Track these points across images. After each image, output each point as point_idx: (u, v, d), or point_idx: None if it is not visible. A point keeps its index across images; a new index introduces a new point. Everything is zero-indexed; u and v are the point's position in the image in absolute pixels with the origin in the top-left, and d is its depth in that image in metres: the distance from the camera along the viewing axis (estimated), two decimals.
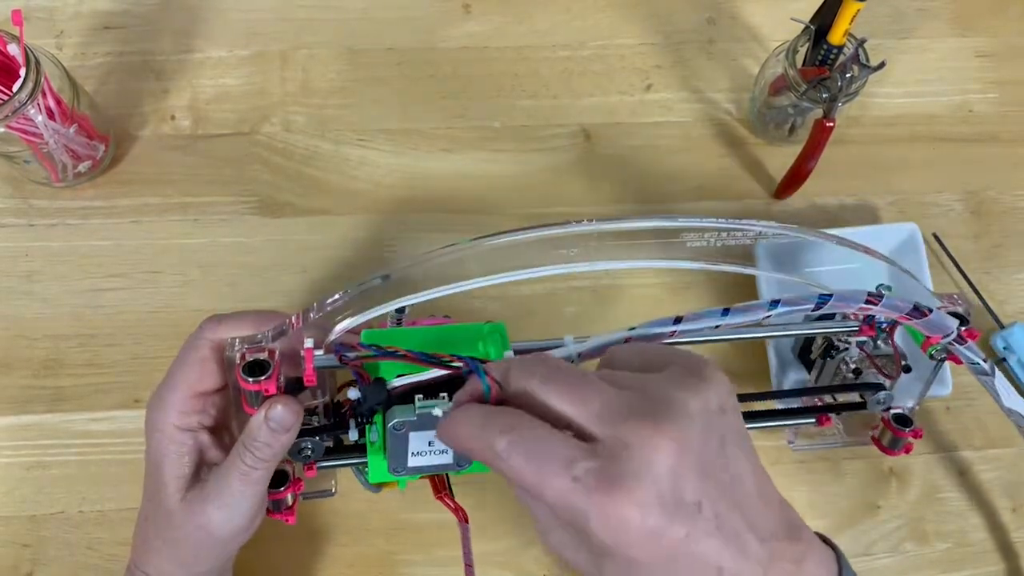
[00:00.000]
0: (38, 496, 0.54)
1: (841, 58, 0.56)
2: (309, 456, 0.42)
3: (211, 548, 0.41)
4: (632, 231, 0.41)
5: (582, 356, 0.38)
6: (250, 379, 0.38)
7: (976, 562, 0.58)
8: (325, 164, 0.61)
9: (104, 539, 0.53)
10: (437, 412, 0.37)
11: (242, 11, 0.63)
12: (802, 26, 0.56)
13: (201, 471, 0.42)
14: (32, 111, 0.50)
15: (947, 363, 0.56)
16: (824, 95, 0.55)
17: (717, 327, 0.38)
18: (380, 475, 0.42)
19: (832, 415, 0.51)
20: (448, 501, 0.43)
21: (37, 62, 0.50)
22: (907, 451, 0.50)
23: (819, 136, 0.56)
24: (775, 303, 0.37)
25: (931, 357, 0.45)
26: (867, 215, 0.63)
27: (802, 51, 0.57)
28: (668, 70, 0.65)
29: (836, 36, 0.55)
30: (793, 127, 0.62)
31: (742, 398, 0.54)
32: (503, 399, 0.34)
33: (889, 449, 0.50)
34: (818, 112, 0.57)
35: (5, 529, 0.53)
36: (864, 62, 0.55)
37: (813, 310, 0.38)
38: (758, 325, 0.42)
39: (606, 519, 0.29)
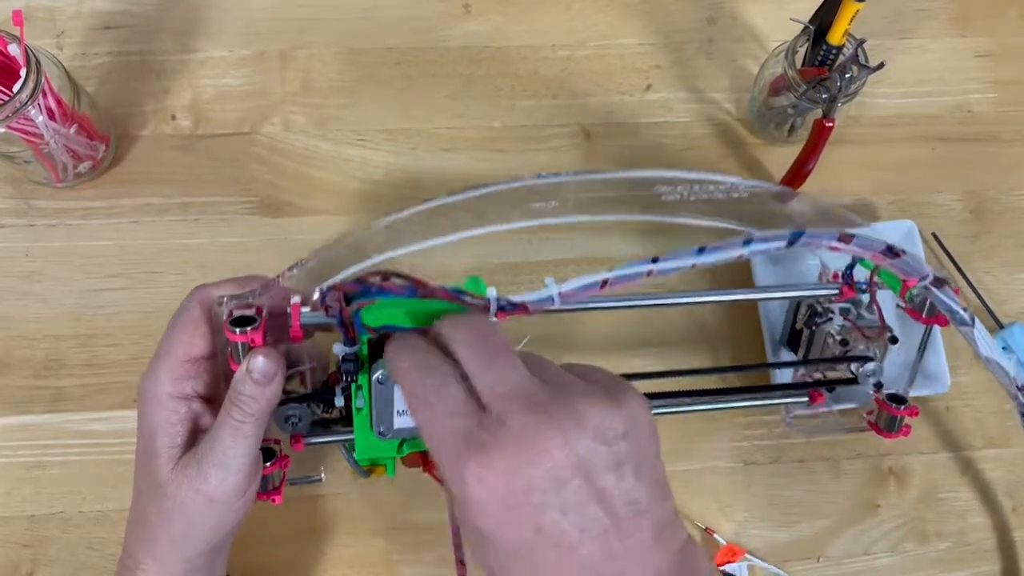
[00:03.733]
0: (38, 496, 0.54)
1: (840, 58, 0.56)
2: (296, 424, 0.42)
3: (206, 516, 0.40)
4: (608, 182, 0.42)
5: (563, 296, 0.38)
6: (237, 330, 0.38)
7: (976, 562, 0.58)
8: (325, 164, 0.61)
9: (104, 539, 0.53)
10: None
11: (242, 11, 0.63)
12: (802, 26, 0.56)
13: (195, 441, 0.41)
14: (33, 111, 0.50)
15: (944, 361, 0.56)
16: (823, 95, 0.55)
17: (693, 266, 0.38)
18: (367, 450, 0.42)
19: (825, 393, 0.51)
20: (436, 473, 0.43)
21: (37, 62, 0.50)
22: (905, 433, 0.50)
23: (819, 136, 0.56)
24: (748, 241, 0.38)
25: (910, 302, 0.46)
26: (867, 215, 0.63)
27: (802, 51, 0.57)
28: (668, 70, 0.65)
29: (835, 36, 0.55)
30: (793, 127, 0.62)
31: (731, 370, 0.56)
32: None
33: (886, 432, 0.51)
34: (818, 112, 0.57)
35: (5, 529, 0.53)
36: (863, 62, 0.55)
37: (786, 246, 0.38)
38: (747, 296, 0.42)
39: (461, 474, 0.30)
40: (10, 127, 0.50)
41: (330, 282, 0.38)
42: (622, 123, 0.64)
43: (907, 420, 0.50)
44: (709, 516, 0.57)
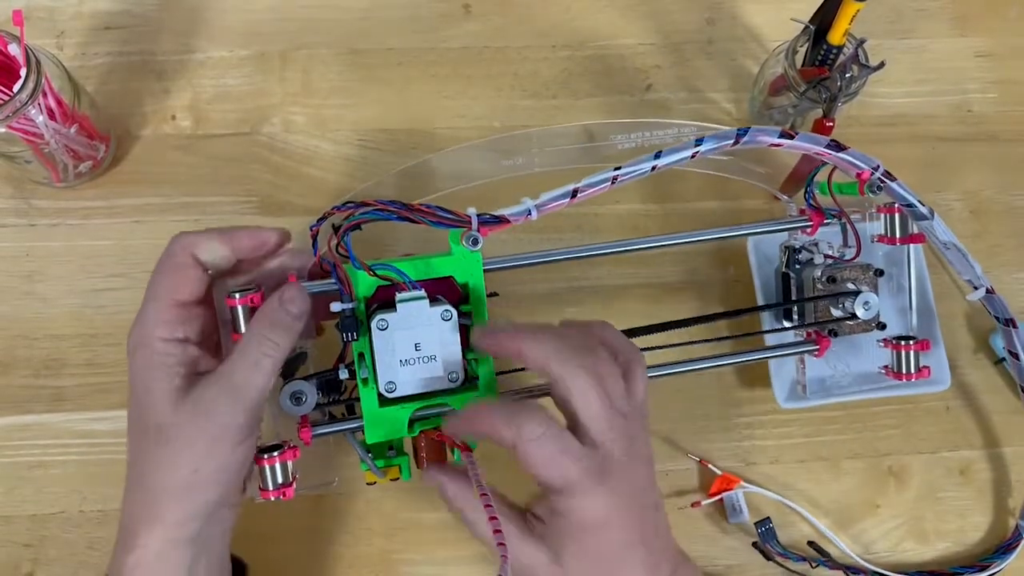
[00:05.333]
0: (39, 496, 0.54)
1: (841, 58, 0.56)
2: (303, 401, 0.42)
3: (212, 453, 0.38)
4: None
5: (539, 208, 0.43)
6: (237, 295, 0.40)
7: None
8: (325, 164, 0.61)
9: (105, 538, 0.53)
10: (417, 300, 0.41)
11: (243, 11, 0.63)
12: (802, 26, 0.56)
13: (192, 384, 0.39)
14: (33, 111, 0.50)
15: (945, 359, 0.56)
16: (824, 95, 0.55)
17: (654, 168, 0.43)
18: (378, 428, 0.43)
19: (831, 338, 0.52)
20: (450, 438, 0.44)
21: (38, 62, 0.50)
22: (924, 375, 0.52)
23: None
24: (700, 140, 0.43)
25: (869, 191, 0.48)
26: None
27: (802, 51, 0.57)
28: (668, 70, 0.65)
29: (836, 36, 0.55)
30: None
31: (721, 316, 0.56)
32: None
33: (904, 374, 0.51)
34: (818, 112, 0.57)
35: (6, 529, 0.53)
36: (864, 62, 0.55)
37: (734, 143, 0.43)
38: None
39: (594, 500, 0.38)
40: (10, 127, 0.50)
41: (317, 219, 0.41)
42: (622, 123, 0.64)
43: (922, 361, 0.52)
44: None
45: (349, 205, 0.40)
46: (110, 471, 0.54)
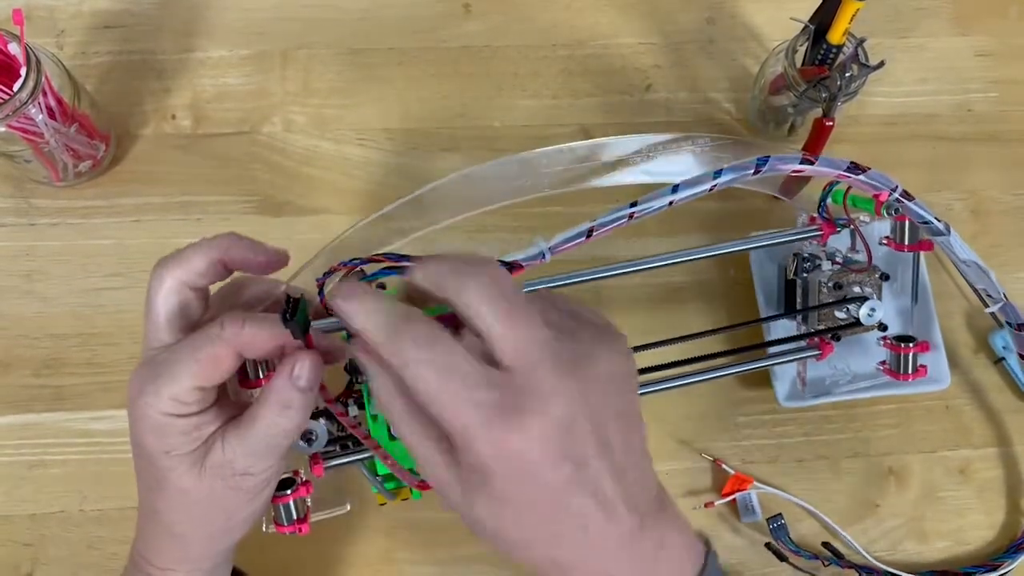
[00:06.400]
0: (39, 495, 0.54)
1: (841, 57, 0.56)
2: (313, 441, 0.42)
3: (244, 504, 0.38)
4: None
5: (552, 250, 0.40)
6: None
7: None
8: (326, 164, 0.61)
9: (105, 538, 0.53)
10: None
11: (243, 10, 0.63)
12: (802, 25, 0.56)
13: (209, 438, 0.37)
14: (33, 110, 0.50)
15: (944, 359, 0.56)
16: (824, 94, 0.55)
17: (671, 203, 0.41)
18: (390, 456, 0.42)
19: (833, 342, 0.52)
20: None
21: (38, 61, 0.50)
22: (921, 374, 0.52)
23: (819, 135, 0.56)
24: (719, 172, 0.41)
25: (887, 213, 0.48)
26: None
27: (801, 50, 0.57)
28: (668, 70, 0.65)
29: (836, 35, 0.55)
30: (793, 126, 0.62)
31: (725, 329, 0.56)
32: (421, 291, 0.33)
33: (901, 373, 0.52)
34: (818, 111, 0.57)
35: (6, 528, 0.53)
36: (864, 61, 0.55)
37: (753, 173, 0.42)
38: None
39: (494, 446, 0.30)
40: (10, 126, 0.50)
41: (326, 272, 0.39)
42: (622, 123, 0.64)
43: (920, 360, 0.52)
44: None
45: (356, 261, 0.39)
46: (110, 471, 0.54)
